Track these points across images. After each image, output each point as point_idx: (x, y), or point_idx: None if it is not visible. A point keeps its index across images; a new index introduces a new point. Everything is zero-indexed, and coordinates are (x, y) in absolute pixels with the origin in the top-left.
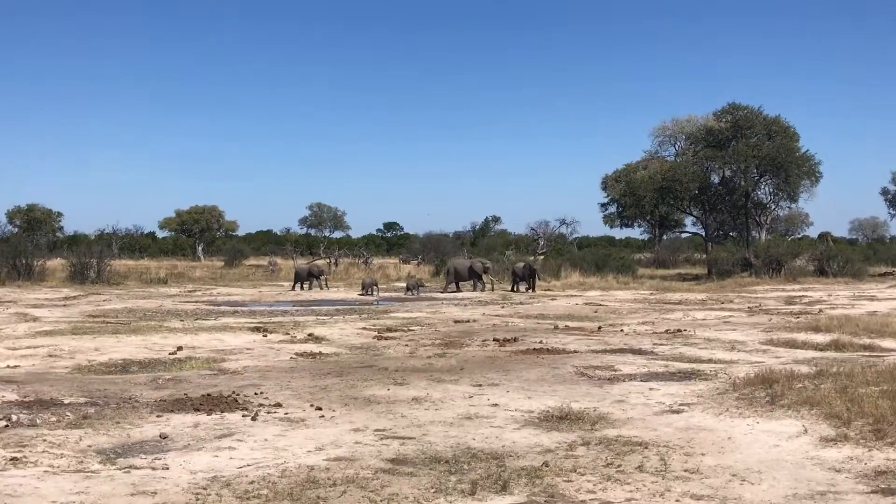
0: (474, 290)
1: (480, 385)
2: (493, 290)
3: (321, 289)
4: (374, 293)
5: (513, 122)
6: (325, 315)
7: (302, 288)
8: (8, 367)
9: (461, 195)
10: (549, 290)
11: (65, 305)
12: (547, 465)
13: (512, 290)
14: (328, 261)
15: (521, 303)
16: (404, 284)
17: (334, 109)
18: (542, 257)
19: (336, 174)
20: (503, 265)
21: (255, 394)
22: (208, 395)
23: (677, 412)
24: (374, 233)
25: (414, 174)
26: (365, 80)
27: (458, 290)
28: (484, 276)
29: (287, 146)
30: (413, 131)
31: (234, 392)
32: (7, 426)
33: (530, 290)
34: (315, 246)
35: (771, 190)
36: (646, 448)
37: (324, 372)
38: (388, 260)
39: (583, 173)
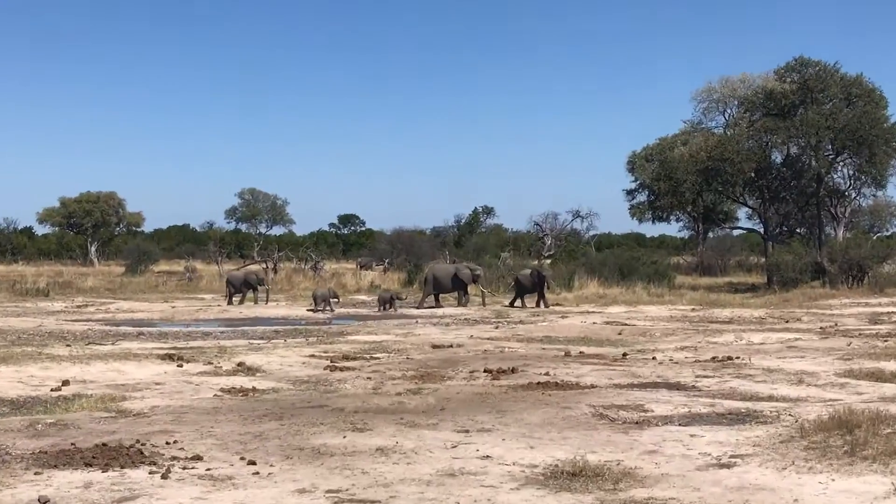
0: (459, 304)
1: (467, 431)
2: (483, 304)
3: (257, 303)
4: (329, 309)
5: (508, 89)
6: (261, 338)
7: (231, 302)
8: None
9: (442, 181)
10: (558, 304)
11: None
12: None
13: (513, 304)
14: (264, 266)
15: (520, 322)
16: (366, 298)
17: (271, 73)
18: (548, 261)
19: (275, 155)
20: (498, 272)
21: (167, 443)
22: (104, 444)
23: (727, 466)
24: (326, 228)
25: (379, 155)
26: (312, 30)
27: (439, 304)
28: (472, 287)
29: (211, 118)
30: (379, 99)
31: (138, 441)
32: None
33: (540, 305)
34: (247, 246)
35: (851, 172)
36: None
37: (258, 414)
38: (344, 265)
39: (602, 151)
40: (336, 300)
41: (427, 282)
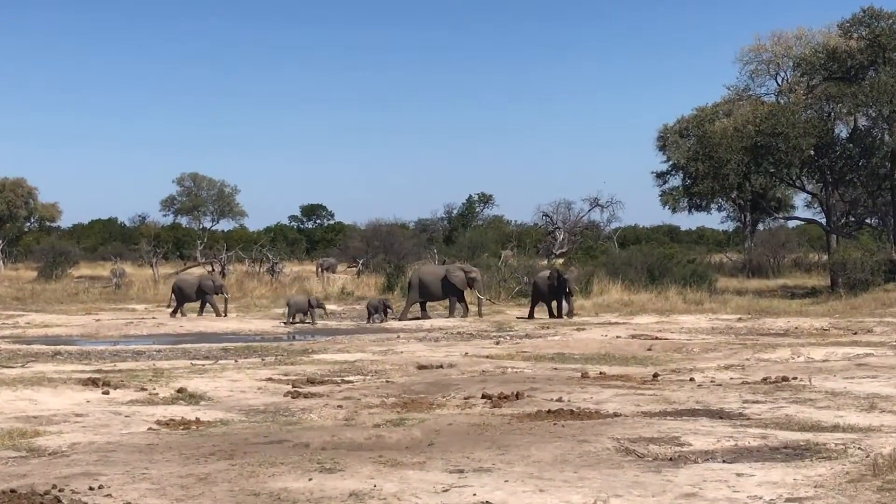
0: (451, 314)
1: (462, 471)
2: (480, 314)
3: (220, 314)
4: (309, 322)
5: (507, 57)
6: (207, 358)
7: (177, 313)
8: None
9: (429, 165)
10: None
11: None
12: None
13: (531, 315)
14: (210, 269)
15: (527, 335)
16: (336, 307)
17: (216, 41)
18: (559, 261)
19: (222, 134)
20: (499, 274)
21: (91, 488)
22: (12, 491)
23: None
24: (286, 222)
25: (351, 134)
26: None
27: (426, 314)
28: (467, 293)
29: (143, 91)
30: (349, 69)
31: (55, 486)
32: None
33: (564, 315)
34: (188, 244)
35: None
36: None
37: (204, 452)
38: (309, 267)
39: (626, 126)
40: (322, 311)
41: (411, 287)
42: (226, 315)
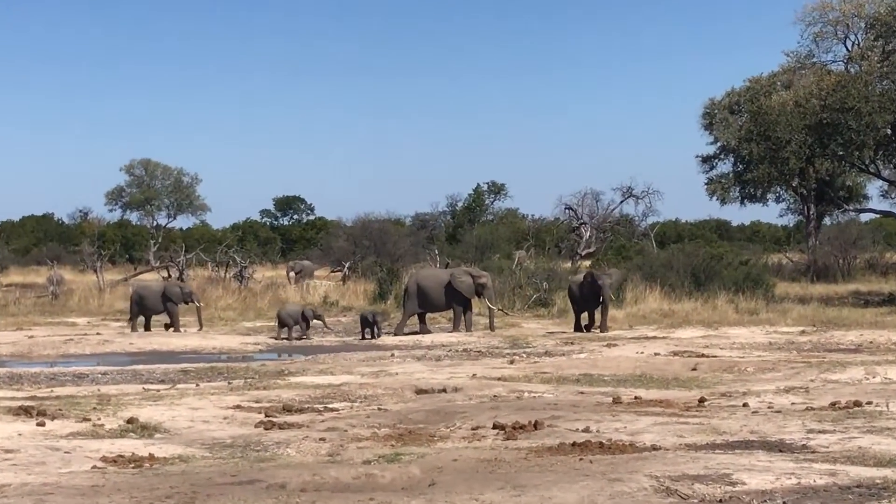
0: (456, 328)
1: None
2: (491, 328)
3: (175, 328)
4: (305, 336)
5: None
6: (162, 381)
7: (138, 327)
8: None
9: (429, 152)
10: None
11: None
12: None
13: (577, 327)
14: (167, 274)
15: (547, 353)
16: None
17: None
18: (586, 263)
19: (180, 116)
20: (513, 279)
21: None
22: None
23: None
24: (257, 218)
25: (333, 114)
26: None
27: (425, 328)
28: (475, 301)
29: (83, 63)
30: (333, 41)
31: None
32: None
33: (596, 328)
34: (138, 244)
35: None
36: None
37: (159, 495)
38: (283, 271)
39: (665, 101)
40: (321, 322)
41: (409, 295)
42: (201, 328)
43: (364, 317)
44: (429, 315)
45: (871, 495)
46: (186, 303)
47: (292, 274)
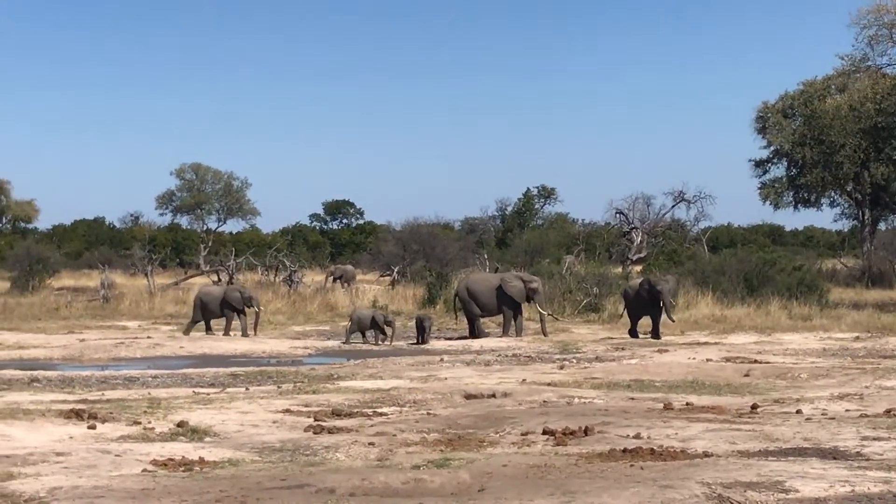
0: (505, 333)
1: None
2: (544, 333)
3: (247, 334)
4: (382, 341)
5: (578, 29)
6: (212, 385)
7: (209, 329)
8: None
9: (477, 156)
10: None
11: None
12: None
13: (633, 333)
14: (217, 278)
15: (597, 358)
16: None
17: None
18: (637, 268)
19: (231, 121)
20: (562, 284)
21: None
22: None
23: None
24: (307, 222)
25: (383, 119)
26: None
27: (477, 333)
28: (526, 306)
29: (136, 71)
30: (381, 46)
31: None
32: None
33: (650, 334)
34: (189, 248)
35: None
36: None
37: (209, 498)
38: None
39: (718, 105)
40: (390, 327)
41: (461, 300)
42: (255, 333)
43: (420, 320)
44: (482, 319)
45: None
46: (248, 306)
47: (332, 279)
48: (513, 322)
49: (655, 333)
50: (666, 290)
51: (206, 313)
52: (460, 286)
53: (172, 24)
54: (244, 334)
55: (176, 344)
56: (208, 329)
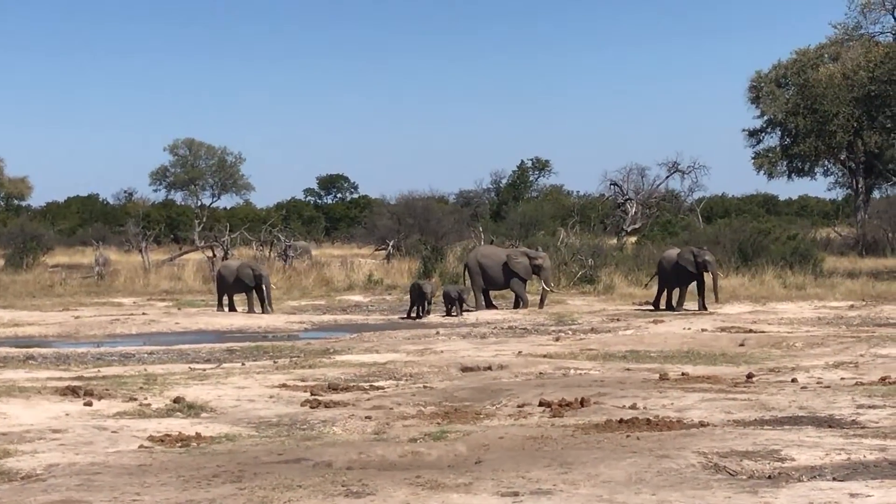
0: (516, 306)
1: (516, 494)
2: (541, 305)
3: (265, 310)
4: (461, 312)
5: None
6: (208, 361)
7: (225, 307)
8: None
9: (475, 126)
10: (647, 302)
11: None
12: None
13: (657, 304)
14: (211, 254)
15: (592, 329)
16: (362, 299)
17: None
18: (631, 239)
19: (223, 95)
20: (558, 256)
21: None
22: None
23: None
24: (301, 197)
25: (375, 93)
26: None
27: (491, 304)
28: (530, 281)
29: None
30: (379, 20)
31: None
32: None
33: (698, 306)
34: (183, 224)
35: None
36: None
37: (206, 474)
38: (330, 250)
39: (711, 74)
40: (465, 301)
41: (472, 272)
42: (272, 310)
43: (447, 293)
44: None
45: None
46: (262, 282)
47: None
48: (521, 296)
49: (702, 304)
50: (713, 262)
51: (226, 288)
52: (471, 257)
53: (163, 1)
54: (250, 310)
55: (171, 320)
56: (226, 304)
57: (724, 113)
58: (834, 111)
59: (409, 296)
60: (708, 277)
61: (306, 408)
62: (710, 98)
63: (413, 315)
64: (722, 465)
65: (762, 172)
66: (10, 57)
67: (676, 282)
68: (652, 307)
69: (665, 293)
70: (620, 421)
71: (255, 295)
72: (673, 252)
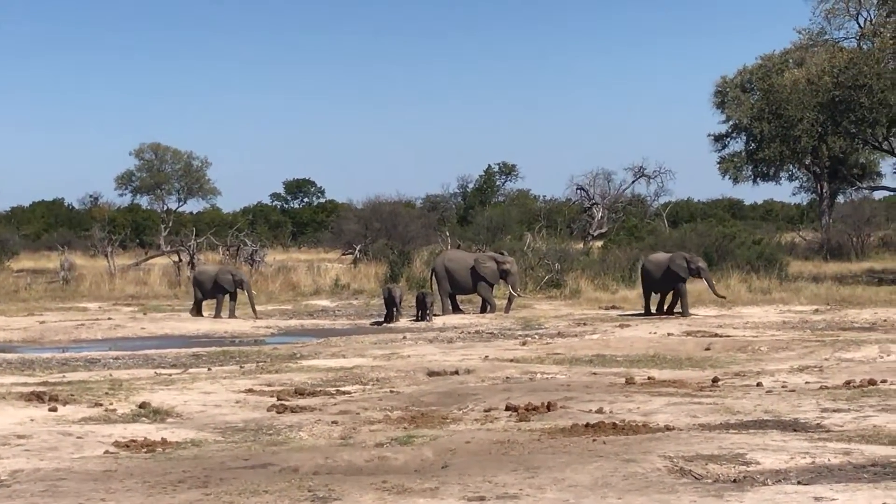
0: (483, 311)
1: (482, 498)
2: (506, 310)
3: (234, 315)
4: (428, 315)
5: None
6: (174, 366)
7: (200, 312)
8: None
9: (438, 134)
10: (613, 306)
11: None
12: None
13: (647, 310)
14: (177, 259)
15: (559, 334)
16: (328, 304)
17: None
18: (597, 243)
19: (189, 99)
20: (524, 261)
21: None
22: None
23: None
24: (267, 201)
25: (341, 98)
26: None
27: (457, 308)
28: (498, 286)
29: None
30: (345, 25)
31: None
32: None
33: (679, 313)
34: (149, 229)
35: None
36: None
37: (172, 479)
38: (296, 255)
39: (676, 79)
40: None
41: (438, 277)
42: (257, 317)
43: (420, 297)
44: (458, 297)
45: (885, 474)
46: (240, 288)
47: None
48: (489, 300)
49: (685, 311)
50: (706, 268)
51: (204, 293)
52: (438, 262)
53: (130, 4)
54: (231, 315)
55: (137, 325)
56: (212, 310)
57: (689, 118)
58: (798, 116)
59: (380, 300)
60: (700, 283)
61: (273, 413)
62: (676, 103)
63: (384, 320)
64: (687, 469)
65: (727, 177)
66: None
67: (663, 286)
68: (643, 313)
69: (658, 297)
70: (587, 425)
71: (228, 300)
72: (659, 256)
